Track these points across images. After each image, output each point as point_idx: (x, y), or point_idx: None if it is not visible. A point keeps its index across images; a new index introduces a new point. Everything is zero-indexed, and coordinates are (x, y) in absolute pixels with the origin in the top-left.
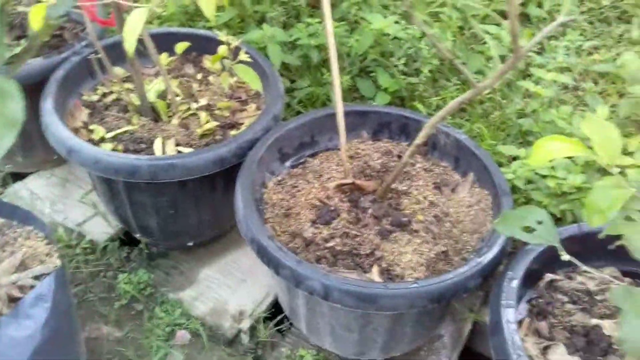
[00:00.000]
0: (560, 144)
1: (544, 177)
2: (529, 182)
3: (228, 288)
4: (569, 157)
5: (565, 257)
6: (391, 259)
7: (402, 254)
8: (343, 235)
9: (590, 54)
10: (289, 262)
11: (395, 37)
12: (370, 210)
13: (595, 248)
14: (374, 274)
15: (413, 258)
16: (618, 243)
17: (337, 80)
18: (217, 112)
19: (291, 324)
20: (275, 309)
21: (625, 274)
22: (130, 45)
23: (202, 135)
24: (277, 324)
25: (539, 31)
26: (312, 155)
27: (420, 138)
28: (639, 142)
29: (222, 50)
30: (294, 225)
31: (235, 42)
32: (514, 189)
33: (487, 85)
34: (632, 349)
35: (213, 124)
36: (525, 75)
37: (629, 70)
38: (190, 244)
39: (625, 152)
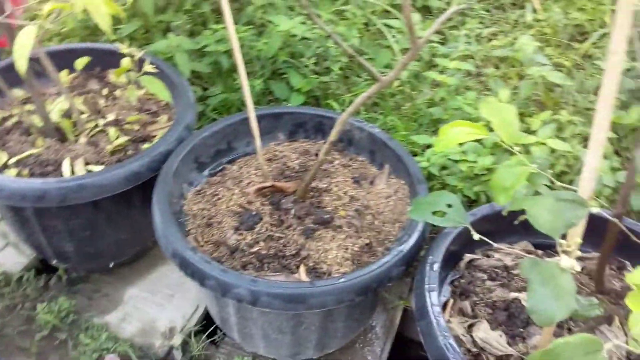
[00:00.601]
0: (463, 129)
1: (457, 162)
2: (444, 168)
3: (156, 305)
4: (478, 141)
5: (476, 236)
6: (317, 257)
7: (327, 251)
8: (267, 239)
9: (489, 40)
10: (214, 272)
11: (303, 38)
12: (292, 211)
13: (508, 225)
14: (302, 274)
15: (338, 254)
16: (522, 218)
17: (246, 85)
18: (126, 126)
19: (224, 334)
20: (207, 320)
21: (537, 246)
22: (21, 65)
23: (113, 152)
24: (209, 336)
25: None
26: (230, 162)
27: (333, 135)
28: (540, 121)
29: (125, 63)
30: (217, 234)
31: (138, 53)
32: (430, 176)
33: (391, 78)
34: (540, 318)
35: (123, 139)
36: (431, 65)
37: (526, 53)
38: (112, 264)
39: (529, 131)
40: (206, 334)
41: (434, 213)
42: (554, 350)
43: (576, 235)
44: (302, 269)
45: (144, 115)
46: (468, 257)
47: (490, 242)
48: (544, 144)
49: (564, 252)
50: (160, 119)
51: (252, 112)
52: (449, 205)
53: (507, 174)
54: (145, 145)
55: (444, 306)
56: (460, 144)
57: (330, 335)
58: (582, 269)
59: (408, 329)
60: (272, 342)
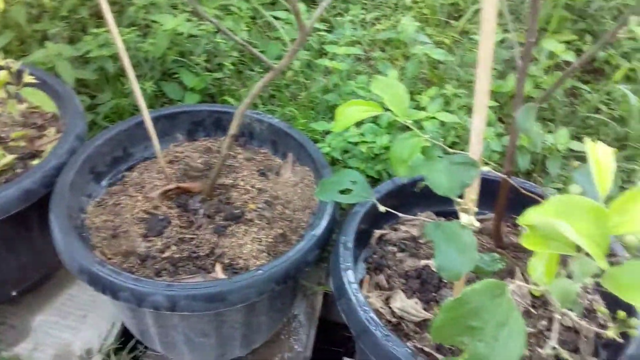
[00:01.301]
0: (358, 108)
1: (356, 144)
2: (345, 151)
3: (69, 329)
4: (375, 122)
5: (382, 208)
6: (232, 253)
7: (241, 246)
8: (178, 242)
9: (373, 24)
10: (126, 283)
11: (190, 35)
12: (201, 211)
13: (410, 198)
14: (218, 272)
15: (253, 247)
16: (421, 184)
17: (136, 87)
18: (11, 144)
19: (145, 347)
20: (126, 336)
21: (438, 214)
22: None
23: (0, 173)
24: (130, 352)
25: (326, 11)
26: (129, 169)
27: (233, 128)
28: (428, 97)
29: (2, 76)
30: (125, 244)
31: (16, 65)
32: (333, 161)
33: (283, 65)
34: (448, 273)
35: (10, 157)
36: (322, 53)
37: (408, 34)
38: (15, 292)
39: (420, 107)
40: (126, 350)
41: (341, 192)
42: (463, 298)
43: (472, 194)
44: (218, 267)
45: (29, 130)
46: (377, 232)
47: (397, 213)
48: (434, 118)
49: (462, 210)
50: (48, 132)
51: (146, 114)
52: (354, 182)
53: (403, 147)
54: (35, 161)
55: (361, 283)
56: (358, 126)
57: (255, 330)
58: (482, 230)
59: (330, 313)
60: (197, 346)
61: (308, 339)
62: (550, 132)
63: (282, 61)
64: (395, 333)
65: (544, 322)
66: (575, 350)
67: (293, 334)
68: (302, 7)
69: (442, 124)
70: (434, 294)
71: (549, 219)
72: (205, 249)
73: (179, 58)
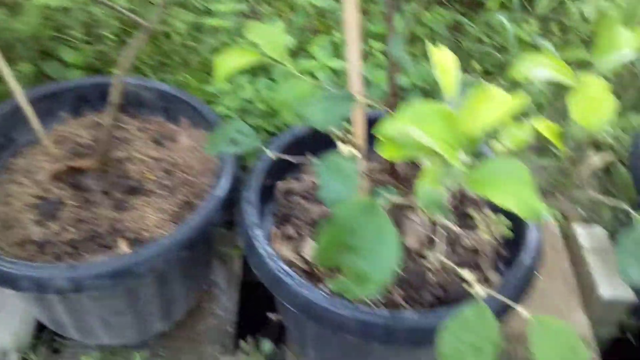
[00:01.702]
0: (236, 56)
1: (251, 102)
2: (243, 110)
3: None
4: (270, 78)
5: (270, 154)
6: (135, 227)
7: (144, 218)
8: (76, 223)
9: None
10: (25, 272)
11: (63, 8)
12: (96, 188)
13: (310, 146)
14: (122, 247)
15: (157, 218)
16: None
17: (4, 67)
18: None
19: (63, 337)
20: (41, 330)
21: None
22: None
23: None
24: (49, 345)
25: None
26: (14, 155)
27: (113, 97)
28: (318, 46)
29: None
30: (20, 233)
31: None
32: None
33: (153, 21)
34: (330, 200)
35: None
36: (208, 13)
37: None
38: None
39: (311, 57)
40: (45, 344)
41: (228, 142)
42: (337, 218)
43: (357, 129)
44: (121, 242)
45: None
46: (281, 185)
47: (289, 158)
48: (325, 65)
49: (340, 141)
50: None
51: (20, 96)
52: (240, 132)
53: (289, 92)
54: None
55: (271, 237)
56: (252, 83)
57: (173, 302)
58: (383, 169)
59: (251, 275)
60: (114, 326)
61: (231, 303)
62: None
63: (153, 17)
64: (308, 279)
65: (445, 246)
66: (477, 267)
67: (214, 300)
68: None
69: (334, 71)
70: None
71: (402, 126)
72: (106, 226)
73: (55, 34)
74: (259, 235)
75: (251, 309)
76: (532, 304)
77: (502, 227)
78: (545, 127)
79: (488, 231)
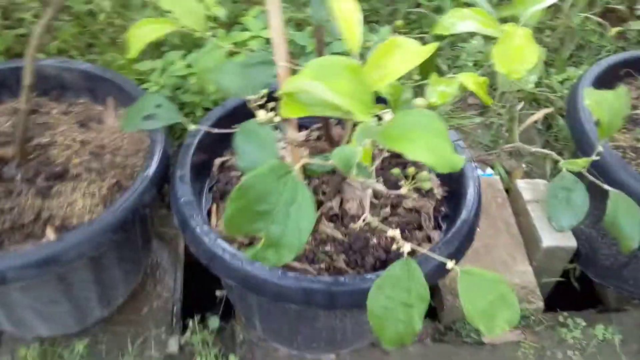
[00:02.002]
0: (150, 27)
1: (185, 77)
2: (177, 88)
3: None
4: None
5: (192, 127)
6: (62, 213)
7: (72, 204)
8: None
9: None
10: None
11: None
12: (18, 177)
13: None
14: (50, 235)
15: (85, 202)
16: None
17: None
18: None
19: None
20: None
21: None
22: None
23: None
24: None
25: None
26: None
27: (25, 79)
28: (252, 17)
29: None
30: None
31: None
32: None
33: None
34: (247, 169)
35: None
36: None
37: None
38: None
39: (246, 29)
40: None
41: (145, 118)
42: (247, 184)
43: None
44: (49, 230)
45: None
46: (218, 160)
47: (214, 130)
48: (259, 36)
49: (255, 108)
50: None
51: None
52: (158, 106)
53: (207, 60)
54: None
55: (209, 213)
56: (184, 58)
57: (112, 286)
58: (319, 137)
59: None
60: (50, 316)
61: (175, 283)
62: (377, 32)
63: None
64: None
65: (387, 210)
66: (419, 227)
67: (159, 281)
68: None
69: (267, 41)
70: None
71: (306, 83)
72: (30, 214)
73: None
74: (192, 214)
75: (197, 287)
76: (479, 259)
77: (426, 183)
78: (472, 80)
79: (411, 190)
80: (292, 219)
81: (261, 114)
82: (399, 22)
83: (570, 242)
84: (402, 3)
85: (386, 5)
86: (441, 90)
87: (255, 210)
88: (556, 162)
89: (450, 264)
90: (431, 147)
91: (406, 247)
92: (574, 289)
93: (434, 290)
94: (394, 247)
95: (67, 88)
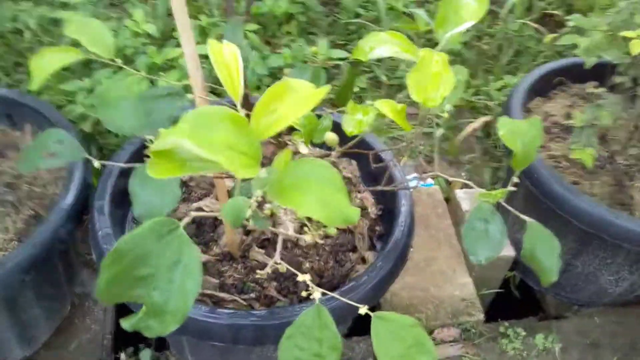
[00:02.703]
0: (53, 55)
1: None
2: None
3: None
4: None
5: (96, 163)
6: None
7: None
8: None
9: None
10: None
11: None
12: None
13: None
14: None
15: None
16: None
17: None
18: None
19: None
20: None
21: None
22: None
23: None
24: None
25: None
26: None
27: None
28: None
29: None
30: None
31: None
32: (96, 121)
33: None
34: (150, 215)
35: None
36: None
37: None
38: None
39: (178, 44)
40: None
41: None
42: (123, 247)
43: None
44: None
45: None
46: None
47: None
48: None
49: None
50: None
51: None
52: (60, 142)
53: (115, 87)
54: None
55: None
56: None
57: (32, 325)
58: None
59: None
60: None
61: (106, 314)
62: (316, 44)
63: None
64: None
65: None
66: (353, 249)
67: (88, 313)
68: None
69: (204, 57)
70: (211, 234)
71: (178, 139)
72: None
73: None
74: (108, 247)
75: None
76: (419, 272)
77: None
78: (389, 109)
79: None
80: (176, 283)
81: None
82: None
83: (508, 251)
84: (341, 14)
85: (325, 16)
86: (358, 118)
87: (134, 275)
88: (495, 169)
89: (362, 310)
90: (324, 201)
91: (317, 294)
92: (515, 297)
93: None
94: (304, 293)
95: None
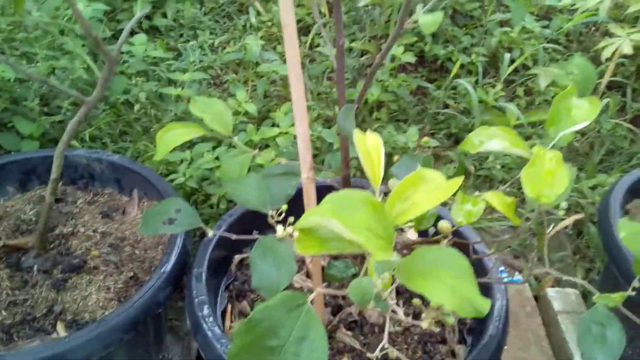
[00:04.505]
0: (177, 131)
1: (212, 169)
2: (204, 179)
3: None
4: (231, 145)
5: (210, 232)
6: (75, 308)
7: (86, 298)
8: (9, 306)
9: (223, 48)
10: None
11: (20, 80)
12: (35, 267)
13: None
14: (60, 331)
15: (100, 296)
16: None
17: None
18: None
19: None
20: None
21: None
22: None
23: None
24: None
25: (171, 39)
26: None
27: (53, 172)
28: (282, 113)
29: None
30: None
31: None
32: (192, 191)
33: (95, 98)
34: (266, 290)
35: None
36: (172, 82)
37: (253, 53)
38: None
39: (275, 124)
40: None
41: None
42: (256, 318)
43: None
44: (59, 325)
45: None
46: (237, 257)
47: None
48: (287, 132)
49: (276, 222)
50: None
51: None
52: (178, 211)
53: (231, 165)
54: None
55: (224, 314)
56: (213, 150)
57: None
58: None
59: None
60: None
61: None
62: (404, 131)
63: (94, 94)
64: None
65: (410, 319)
66: (443, 341)
67: None
68: (143, 37)
69: (295, 137)
70: None
71: (322, 219)
72: (42, 308)
73: (11, 106)
74: (206, 314)
75: None
76: None
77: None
78: (499, 201)
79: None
80: (303, 357)
81: (279, 230)
82: (426, 139)
83: None
84: (430, 104)
85: (414, 106)
86: (468, 209)
87: (264, 346)
88: (588, 269)
89: None
90: (454, 289)
91: None
92: None
93: None
94: None
95: (95, 178)
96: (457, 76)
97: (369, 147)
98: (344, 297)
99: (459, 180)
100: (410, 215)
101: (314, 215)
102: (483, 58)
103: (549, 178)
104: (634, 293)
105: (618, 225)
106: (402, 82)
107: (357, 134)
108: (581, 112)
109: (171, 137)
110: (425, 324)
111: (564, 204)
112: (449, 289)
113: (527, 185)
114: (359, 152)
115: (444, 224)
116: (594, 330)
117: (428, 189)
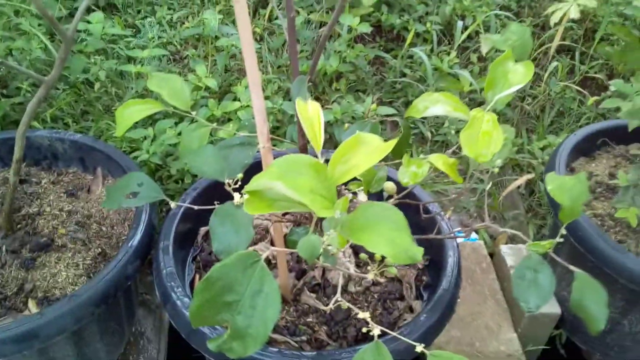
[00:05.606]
0: (136, 107)
1: (176, 145)
2: (168, 155)
3: None
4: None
5: (173, 204)
6: (45, 285)
7: (55, 275)
8: None
9: (182, 23)
10: None
11: None
12: (3, 247)
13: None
14: (31, 308)
15: (69, 273)
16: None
17: None
18: None
19: None
20: None
21: None
22: None
23: None
24: None
25: (129, 16)
26: None
27: (16, 153)
28: (244, 86)
29: None
30: None
31: None
32: (157, 167)
33: (53, 78)
34: (225, 254)
35: None
36: (131, 59)
37: (211, 27)
38: None
39: (236, 98)
40: None
41: (127, 196)
42: (213, 276)
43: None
44: (30, 303)
45: None
46: (203, 230)
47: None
48: (248, 106)
49: (234, 190)
50: None
51: None
52: (140, 184)
53: (191, 138)
54: None
55: (192, 283)
56: (175, 126)
57: (92, 356)
58: None
59: None
60: None
61: (159, 354)
62: (363, 101)
63: (52, 73)
64: None
65: (369, 279)
66: (401, 297)
67: (142, 351)
68: (100, 15)
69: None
70: None
71: (269, 182)
72: (13, 286)
73: None
74: (175, 285)
75: (182, 355)
76: (465, 327)
77: (392, 269)
78: (442, 162)
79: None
80: (259, 310)
81: (237, 197)
82: (374, 106)
83: (554, 309)
84: (388, 73)
85: (372, 75)
86: (413, 170)
87: (222, 301)
88: (540, 226)
89: (419, 348)
90: (391, 240)
91: (376, 331)
92: (562, 356)
93: None
94: (364, 329)
95: (58, 158)
96: (413, 45)
97: (310, 114)
98: (307, 262)
99: (392, 143)
100: (350, 175)
101: (262, 178)
102: (437, 26)
103: (485, 138)
104: (562, 240)
105: (546, 179)
106: (360, 53)
107: (298, 103)
108: (517, 76)
109: (131, 113)
110: (370, 275)
111: (499, 162)
112: (388, 240)
113: (466, 146)
114: (301, 119)
115: (388, 184)
116: (527, 276)
117: (366, 151)
